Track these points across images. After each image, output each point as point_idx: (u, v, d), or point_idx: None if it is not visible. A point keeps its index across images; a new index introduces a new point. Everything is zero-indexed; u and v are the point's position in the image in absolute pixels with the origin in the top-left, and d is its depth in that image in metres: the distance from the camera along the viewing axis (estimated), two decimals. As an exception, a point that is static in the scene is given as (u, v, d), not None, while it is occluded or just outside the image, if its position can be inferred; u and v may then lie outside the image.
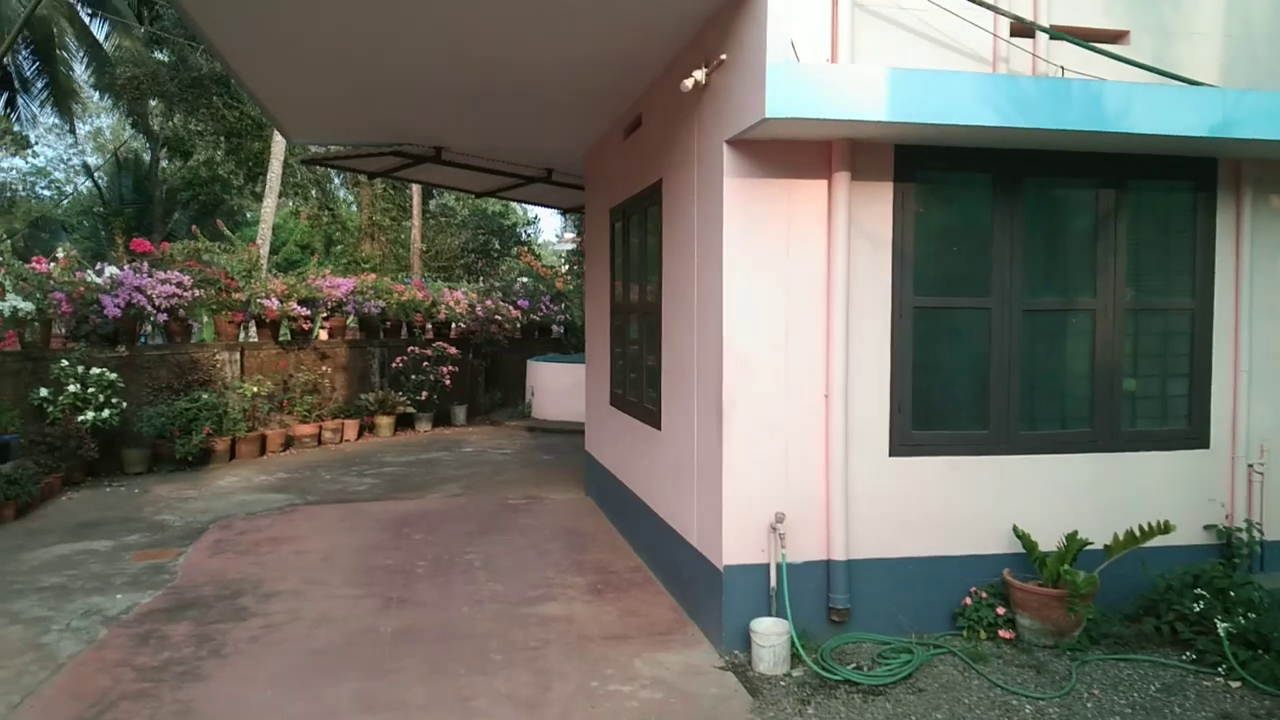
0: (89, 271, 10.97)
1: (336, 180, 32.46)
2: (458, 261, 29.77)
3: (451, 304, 16.44)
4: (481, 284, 20.29)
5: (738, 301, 4.99)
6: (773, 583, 5.00)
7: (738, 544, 5.01)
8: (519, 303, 17.80)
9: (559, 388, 15.90)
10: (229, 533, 8.09)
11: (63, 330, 10.96)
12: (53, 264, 10.78)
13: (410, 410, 15.02)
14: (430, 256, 29.44)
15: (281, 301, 13.04)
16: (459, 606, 6.00)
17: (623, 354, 7.68)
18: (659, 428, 6.41)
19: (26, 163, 37.76)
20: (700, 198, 5.44)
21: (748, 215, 4.98)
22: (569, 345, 19.06)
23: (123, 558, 7.29)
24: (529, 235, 31.95)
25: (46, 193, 39.81)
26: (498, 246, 31.87)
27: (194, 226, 13.46)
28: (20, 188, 37.75)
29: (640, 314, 7.03)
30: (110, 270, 11.19)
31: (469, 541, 7.69)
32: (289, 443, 12.94)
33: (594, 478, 9.09)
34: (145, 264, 11.74)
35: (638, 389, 7.10)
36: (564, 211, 16.80)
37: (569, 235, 34.10)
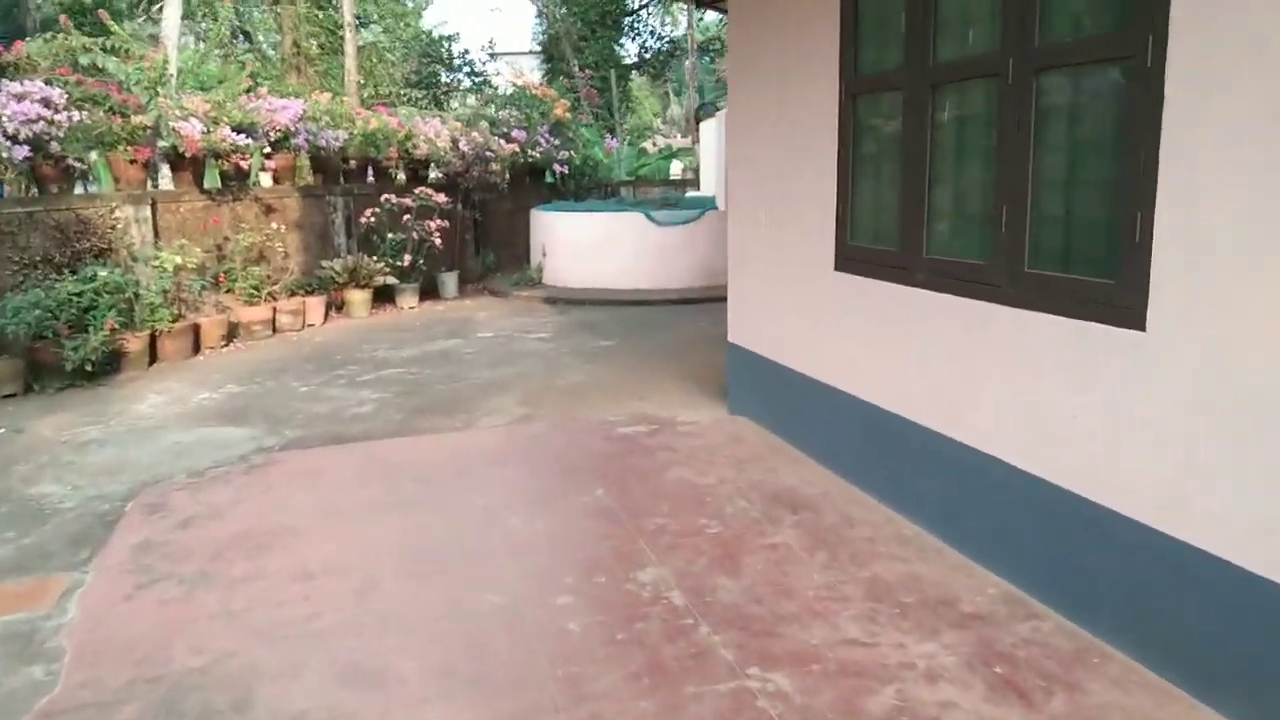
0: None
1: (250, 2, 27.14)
2: (400, 97, 25.05)
3: (431, 136, 12.36)
4: (464, 108, 16.08)
5: None
6: None
7: None
8: (513, 133, 13.73)
9: (582, 245, 12.19)
10: (164, 524, 4.44)
11: None
12: None
13: (390, 281, 11.19)
14: (368, 94, 24.66)
15: (207, 127, 8.92)
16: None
17: (907, 174, 4.02)
18: (1135, 323, 2.86)
19: None
20: None
21: None
22: (567, 192, 15.17)
23: (-52, 613, 3.63)
24: (482, 64, 27.19)
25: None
26: (445, 79, 27.22)
27: (63, 17, 9.05)
28: None
29: (1015, 82, 3.33)
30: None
31: (615, 530, 4.16)
32: (233, 333, 9.11)
33: (761, 389, 5.57)
34: (-15, 70, 7.54)
35: (992, 241, 3.50)
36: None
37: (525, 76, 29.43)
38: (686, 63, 32.83)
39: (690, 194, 15.36)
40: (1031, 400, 3.32)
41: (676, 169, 21.36)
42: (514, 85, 15.93)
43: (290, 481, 5.00)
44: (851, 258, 4.44)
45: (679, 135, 35.21)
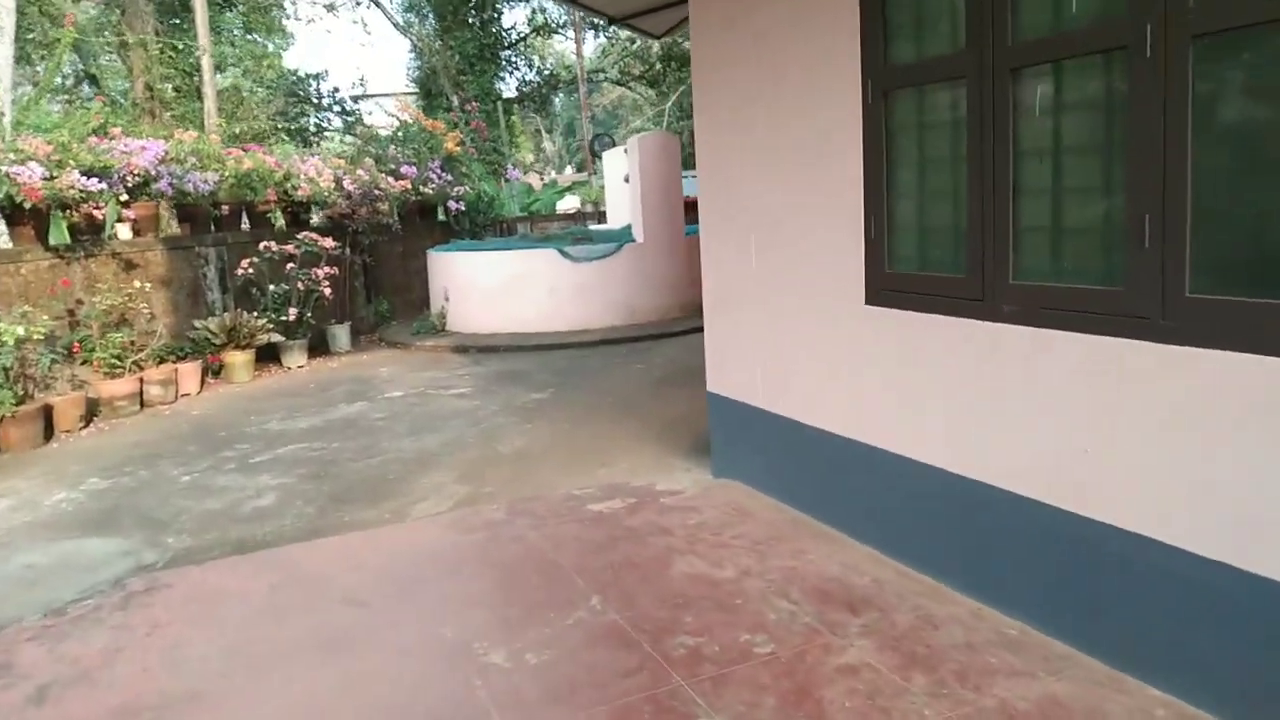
0: None
1: (95, 43, 25.13)
2: (268, 140, 23.47)
3: (312, 175, 11.16)
4: (348, 146, 14.84)
5: None
6: None
7: None
8: (403, 169, 12.62)
9: (490, 287, 11.16)
10: (9, 699, 3.24)
11: None
12: None
13: (275, 338, 9.93)
14: (230, 138, 23.05)
15: (50, 173, 7.57)
16: None
17: (978, 182, 3.20)
18: None
19: None
20: None
21: None
22: (462, 230, 14.11)
23: None
24: (354, 107, 25.78)
25: None
26: (315, 120, 25.74)
27: None
28: None
29: (1159, 55, 2.55)
30: None
31: (635, 660, 3.17)
32: (93, 412, 7.74)
33: (760, 448, 4.69)
34: None
35: (1126, 260, 2.71)
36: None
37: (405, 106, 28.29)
38: (576, 95, 32.18)
39: (596, 227, 14.52)
40: (1210, 465, 2.53)
41: (570, 203, 20.56)
42: (399, 120, 14.79)
43: (183, 616, 3.83)
44: (892, 288, 3.61)
45: (553, 170, 34.46)
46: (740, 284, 4.65)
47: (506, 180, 16.69)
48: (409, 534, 4.63)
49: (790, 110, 4.06)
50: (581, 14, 17.35)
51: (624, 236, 11.34)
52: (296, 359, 10.18)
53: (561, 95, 31.96)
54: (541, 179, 23.32)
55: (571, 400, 7.50)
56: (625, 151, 12.38)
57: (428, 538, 4.53)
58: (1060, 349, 2.93)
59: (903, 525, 3.72)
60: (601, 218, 16.13)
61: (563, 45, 35.94)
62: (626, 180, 12.09)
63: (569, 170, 39.26)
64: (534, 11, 25.34)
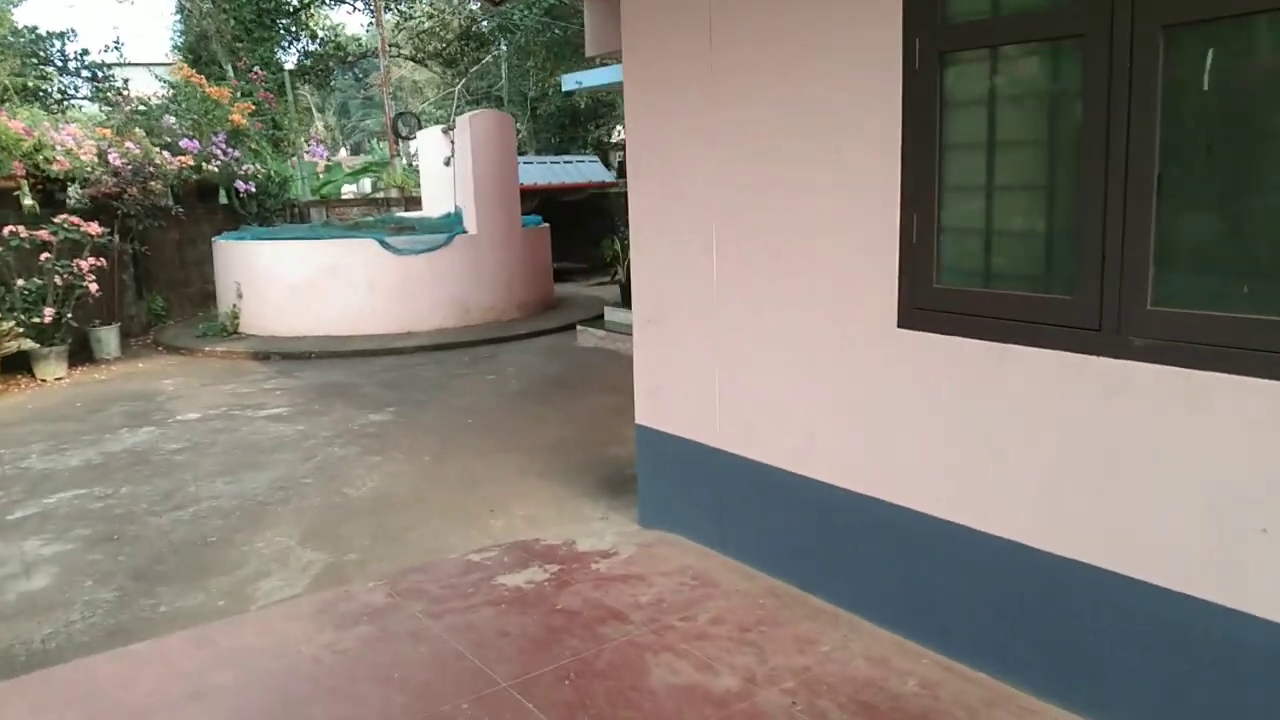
0: None
1: None
2: (9, 104, 20.12)
3: (71, 146, 9.23)
4: (111, 113, 12.60)
5: None
6: None
7: None
8: (183, 143, 10.79)
9: (294, 282, 9.68)
10: None
11: None
12: None
13: (27, 344, 8.09)
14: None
15: None
16: None
17: (1099, 174, 2.44)
18: None
19: None
20: None
21: None
22: (249, 215, 12.38)
23: None
24: (109, 73, 22.62)
25: None
26: (62, 83, 22.44)
27: None
28: None
29: None
30: None
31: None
32: None
33: (717, 498, 3.81)
34: None
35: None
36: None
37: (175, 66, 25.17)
38: (351, 73, 29.99)
39: (408, 214, 13.12)
40: None
41: (363, 186, 18.90)
42: (173, 85, 12.78)
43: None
44: (942, 308, 2.81)
45: (325, 151, 32.15)
46: (691, 295, 3.73)
47: (299, 159, 14.91)
48: (260, 632, 3.40)
49: (787, 79, 3.18)
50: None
51: (453, 226, 10.12)
52: (54, 369, 8.36)
53: (338, 72, 29.62)
54: (325, 160, 21.42)
55: (422, 423, 6.33)
56: (445, 132, 11.13)
57: (288, 638, 3.32)
58: (1226, 399, 2.22)
59: (948, 607, 2.94)
60: (409, 204, 14.73)
61: (339, 19, 33.39)
62: (447, 164, 10.87)
63: (343, 152, 36.94)
64: (320, -24, 23.23)
